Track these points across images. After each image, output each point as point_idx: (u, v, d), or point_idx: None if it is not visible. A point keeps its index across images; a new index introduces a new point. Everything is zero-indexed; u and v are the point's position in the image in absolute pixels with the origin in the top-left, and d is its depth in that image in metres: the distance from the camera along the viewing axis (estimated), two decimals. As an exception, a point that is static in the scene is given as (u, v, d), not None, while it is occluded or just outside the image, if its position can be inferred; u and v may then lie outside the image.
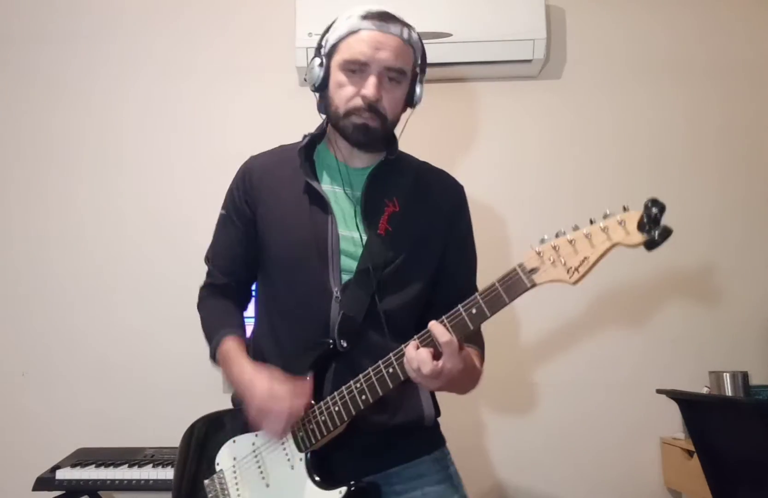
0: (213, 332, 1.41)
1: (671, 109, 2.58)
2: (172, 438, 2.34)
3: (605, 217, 1.06)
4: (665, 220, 1.01)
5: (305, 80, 1.43)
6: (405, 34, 1.34)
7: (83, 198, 2.63)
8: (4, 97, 2.70)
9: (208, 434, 1.42)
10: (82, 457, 2.21)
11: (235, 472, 1.36)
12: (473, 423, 2.45)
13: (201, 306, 1.50)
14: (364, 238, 1.34)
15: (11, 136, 2.68)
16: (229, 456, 1.37)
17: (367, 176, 1.40)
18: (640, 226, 1.02)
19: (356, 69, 1.32)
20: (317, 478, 1.27)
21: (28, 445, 2.46)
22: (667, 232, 1.01)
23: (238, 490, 1.34)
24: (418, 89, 1.40)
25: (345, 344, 1.29)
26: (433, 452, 1.39)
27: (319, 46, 1.40)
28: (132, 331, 2.55)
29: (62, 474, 2.11)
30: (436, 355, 1.16)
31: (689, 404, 1.89)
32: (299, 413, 1.27)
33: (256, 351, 1.40)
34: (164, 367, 2.52)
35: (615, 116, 2.59)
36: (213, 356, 1.40)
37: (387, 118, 1.35)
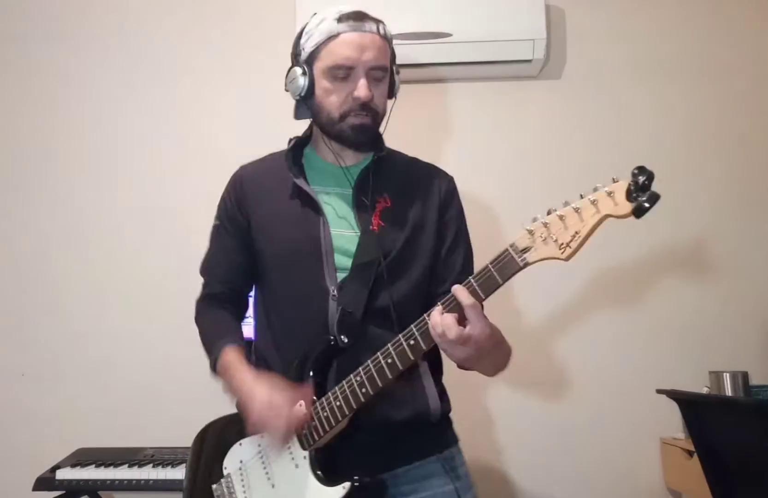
0: (212, 344, 1.40)
1: (671, 109, 2.58)
2: (172, 438, 2.36)
3: (595, 190, 1.07)
4: (654, 188, 1.02)
5: (286, 90, 1.43)
6: (381, 30, 1.37)
7: (83, 198, 2.63)
8: (3, 97, 2.69)
9: (217, 438, 1.42)
10: (82, 457, 2.22)
11: (242, 474, 1.35)
12: (472, 422, 2.44)
13: (199, 318, 1.49)
14: (358, 235, 1.35)
15: (10, 137, 2.68)
16: (236, 459, 1.37)
17: (358, 174, 1.41)
18: (629, 196, 1.03)
19: (343, 74, 1.34)
20: (321, 474, 1.26)
21: (28, 445, 2.46)
22: (654, 197, 1.01)
23: (244, 492, 1.34)
24: (396, 80, 1.43)
25: (346, 340, 1.28)
26: (443, 452, 1.37)
27: (296, 54, 1.40)
28: (132, 331, 2.55)
29: (62, 474, 2.12)
30: (461, 321, 1.14)
31: (689, 404, 1.89)
32: (300, 421, 1.26)
33: (259, 359, 1.40)
34: (164, 367, 2.52)
35: (615, 116, 2.59)
36: (213, 368, 1.39)
37: (379, 113, 1.38)
